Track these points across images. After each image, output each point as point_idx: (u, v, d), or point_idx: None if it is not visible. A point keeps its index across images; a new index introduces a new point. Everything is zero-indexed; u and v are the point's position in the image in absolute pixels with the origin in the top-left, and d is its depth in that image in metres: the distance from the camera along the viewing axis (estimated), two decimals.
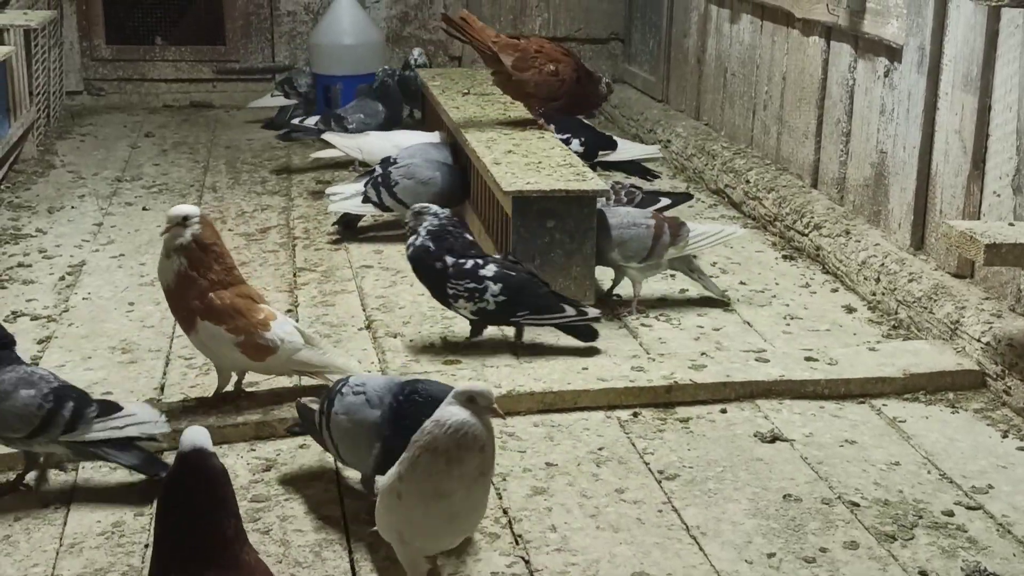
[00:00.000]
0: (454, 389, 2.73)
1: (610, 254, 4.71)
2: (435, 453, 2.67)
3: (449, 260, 4.27)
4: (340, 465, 3.49)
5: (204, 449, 2.24)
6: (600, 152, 6.33)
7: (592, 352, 4.35)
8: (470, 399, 2.68)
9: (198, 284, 3.68)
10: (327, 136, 6.72)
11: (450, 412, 2.68)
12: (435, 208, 4.37)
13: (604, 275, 4.92)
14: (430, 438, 2.68)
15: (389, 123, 7.14)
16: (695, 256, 4.98)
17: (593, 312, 4.38)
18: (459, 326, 4.63)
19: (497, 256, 4.46)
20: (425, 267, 4.32)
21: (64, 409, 3.27)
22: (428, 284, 4.38)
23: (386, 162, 5.73)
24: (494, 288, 4.26)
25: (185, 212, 3.68)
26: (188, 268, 3.67)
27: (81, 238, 5.70)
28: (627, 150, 6.46)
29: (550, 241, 4.63)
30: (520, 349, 4.41)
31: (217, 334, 3.70)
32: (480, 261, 4.30)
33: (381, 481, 2.87)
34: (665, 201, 5.61)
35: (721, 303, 4.88)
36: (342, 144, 6.58)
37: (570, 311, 4.33)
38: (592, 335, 4.40)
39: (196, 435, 2.25)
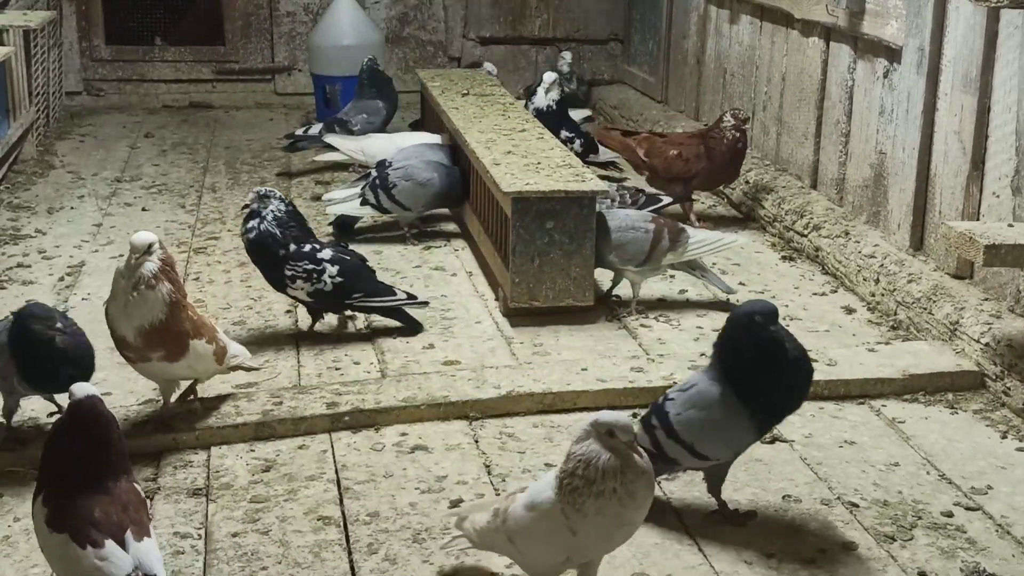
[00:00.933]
0: (595, 418, 2.65)
1: (608, 256, 4.72)
2: (602, 496, 2.61)
3: (292, 247, 4.39)
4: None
5: (95, 396, 2.66)
6: (591, 155, 6.60)
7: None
8: (610, 433, 2.61)
9: (182, 305, 3.58)
10: (329, 138, 6.69)
11: (595, 452, 2.61)
12: (280, 194, 4.48)
13: (604, 276, 4.92)
14: (586, 482, 2.60)
15: (391, 115, 7.12)
16: None
17: (422, 297, 4.58)
18: (457, 327, 4.64)
19: (329, 243, 4.60)
20: (268, 252, 4.42)
21: None
22: (266, 268, 4.49)
23: (382, 164, 5.73)
24: (332, 270, 4.39)
25: (151, 239, 3.52)
26: (176, 292, 3.55)
27: (80, 239, 5.69)
28: (605, 153, 6.74)
29: (549, 242, 4.63)
30: (521, 350, 4.42)
31: (203, 349, 3.64)
32: (317, 246, 4.45)
33: (522, 507, 2.73)
34: (667, 200, 5.69)
35: (721, 304, 4.88)
36: (345, 147, 6.53)
37: (401, 295, 4.51)
38: (417, 329, 4.52)
39: (86, 387, 2.70)
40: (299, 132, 7.16)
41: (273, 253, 4.42)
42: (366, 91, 7.12)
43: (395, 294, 4.52)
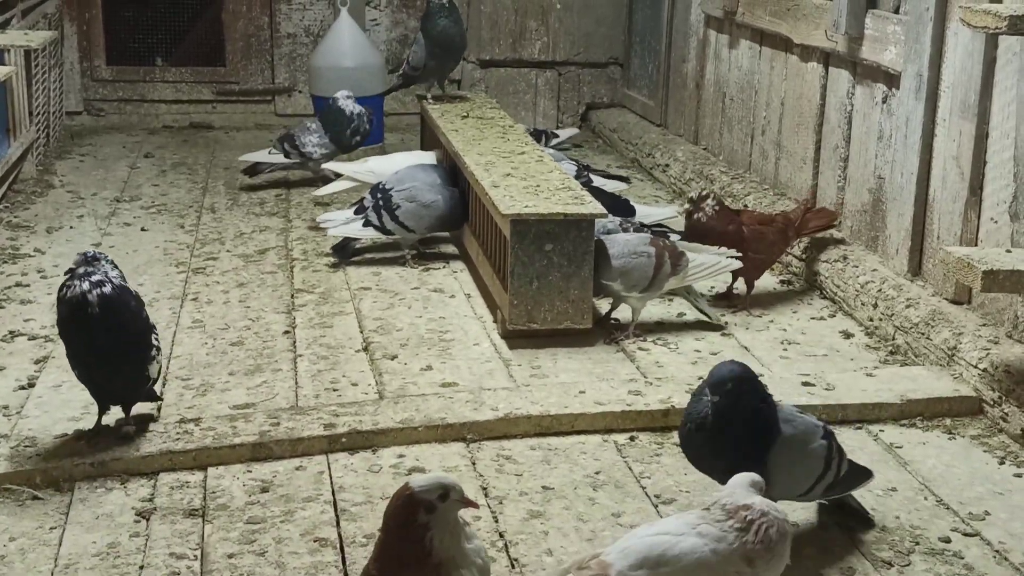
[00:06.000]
0: (750, 477, 2.88)
1: (611, 284, 4.70)
2: (785, 536, 2.83)
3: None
4: (336, 487, 3.49)
5: None
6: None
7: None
8: (758, 486, 2.89)
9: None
10: (334, 166, 6.60)
11: (768, 502, 2.86)
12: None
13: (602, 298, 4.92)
14: (781, 527, 2.83)
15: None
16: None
17: None
18: (455, 349, 4.64)
19: None
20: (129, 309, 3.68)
21: None
22: (121, 329, 3.63)
23: (376, 187, 5.72)
24: None
25: (449, 483, 2.53)
26: None
27: None
28: (645, 215, 5.94)
29: (548, 264, 4.64)
30: (519, 372, 4.41)
31: None
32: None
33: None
34: (675, 237, 5.61)
35: (719, 327, 4.88)
36: (351, 170, 6.40)
37: None
38: None
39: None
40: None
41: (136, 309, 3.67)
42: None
43: None
